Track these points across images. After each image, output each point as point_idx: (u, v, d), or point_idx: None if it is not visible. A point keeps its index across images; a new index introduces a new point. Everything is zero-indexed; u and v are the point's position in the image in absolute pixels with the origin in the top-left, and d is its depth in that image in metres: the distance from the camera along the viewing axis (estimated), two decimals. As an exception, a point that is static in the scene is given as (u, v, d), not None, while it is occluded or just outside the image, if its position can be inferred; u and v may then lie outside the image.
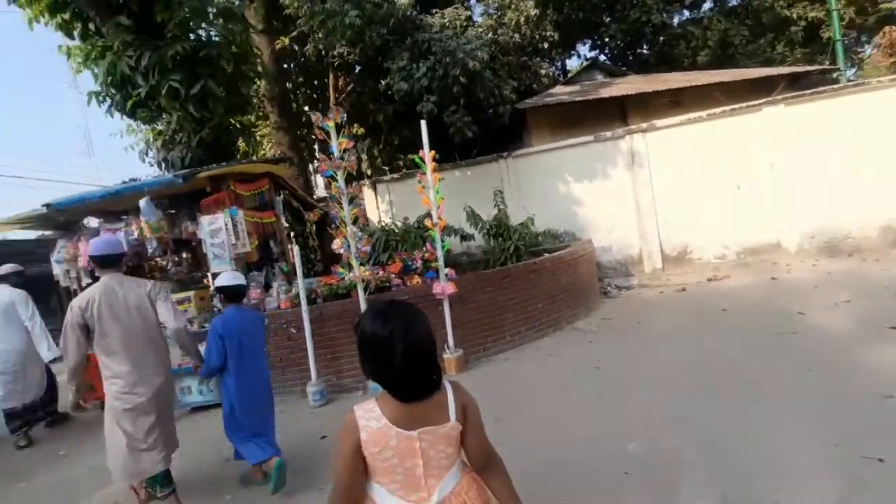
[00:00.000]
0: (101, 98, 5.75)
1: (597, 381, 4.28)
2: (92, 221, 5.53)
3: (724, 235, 8.18)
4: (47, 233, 5.92)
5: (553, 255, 6.26)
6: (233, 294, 3.26)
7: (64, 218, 5.21)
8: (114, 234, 4.43)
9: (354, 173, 4.62)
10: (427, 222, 4.96)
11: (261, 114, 10.35)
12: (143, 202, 4.54)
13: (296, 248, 4.69)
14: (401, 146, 14.22)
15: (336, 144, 4.49)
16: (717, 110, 8.16)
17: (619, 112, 10.54)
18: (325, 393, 4.77)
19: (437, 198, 4.80)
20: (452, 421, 1.30)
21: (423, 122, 4.73)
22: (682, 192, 8.31)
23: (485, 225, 7.37)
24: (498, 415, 3.59)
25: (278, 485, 2.99)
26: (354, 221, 4.67)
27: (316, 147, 13.31)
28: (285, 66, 9.80)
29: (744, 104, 8.02)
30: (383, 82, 7.68)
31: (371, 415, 1.25)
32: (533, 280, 5.78)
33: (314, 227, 7.55)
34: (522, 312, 5.63)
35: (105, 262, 2.82)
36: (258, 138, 10.79)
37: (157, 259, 6.81)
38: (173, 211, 5.17)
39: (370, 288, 4.79)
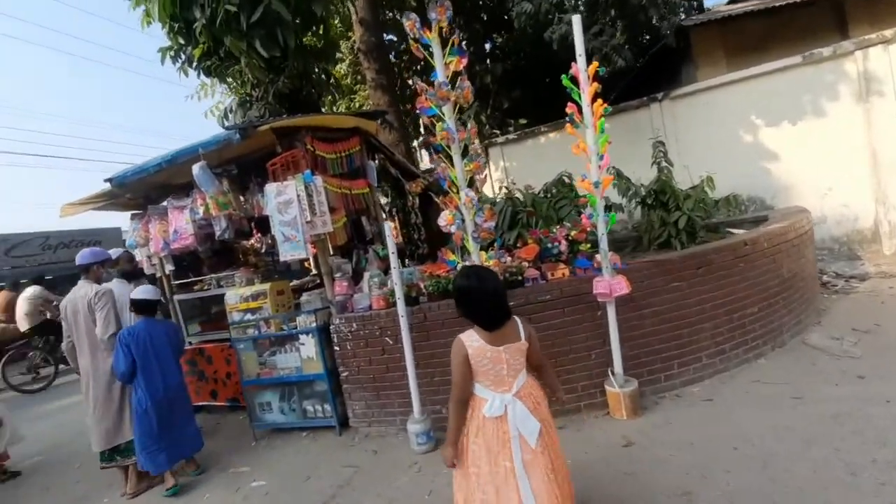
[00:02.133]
0: (171, 53, 4.93)
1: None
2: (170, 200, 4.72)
3: None
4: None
5: (768, 229, 4.06)
6: (142, 307, 3.45)
7: (131, 195, 4.48)
8: (90, 248, 3.74)
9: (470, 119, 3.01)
10: (579, 182, 3.19)
11: (358, 78, 9.26)
12: (196, 168, 3.48)
13: (387, 226, 3.26)
14: (510, 110, 12.35)
15: (441, 65, 2.91)
16: None
17: (835, 20, 7.41)
18: (433, 433, 3.35)
19: (601, 140, 2.99)
20: (522, 340, 1.90)
21: (574, 19, 2.91)
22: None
23: (638, 191, 5.31)
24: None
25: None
26: (470, 184, 3.09)
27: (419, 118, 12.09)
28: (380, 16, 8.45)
29: None
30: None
31: (472, 339, 1.86)
32: (740, 270, 3.71)
33: (417, 201, 6.16)
34: (726, 320, 3.62)
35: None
36: (356, 102, 9.80)
37: (251, 242, 6.02)
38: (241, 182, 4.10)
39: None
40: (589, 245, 3.77)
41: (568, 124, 3.09)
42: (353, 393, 3.81)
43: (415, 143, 11.68)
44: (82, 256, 3.63)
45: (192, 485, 3.52)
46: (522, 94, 11.69)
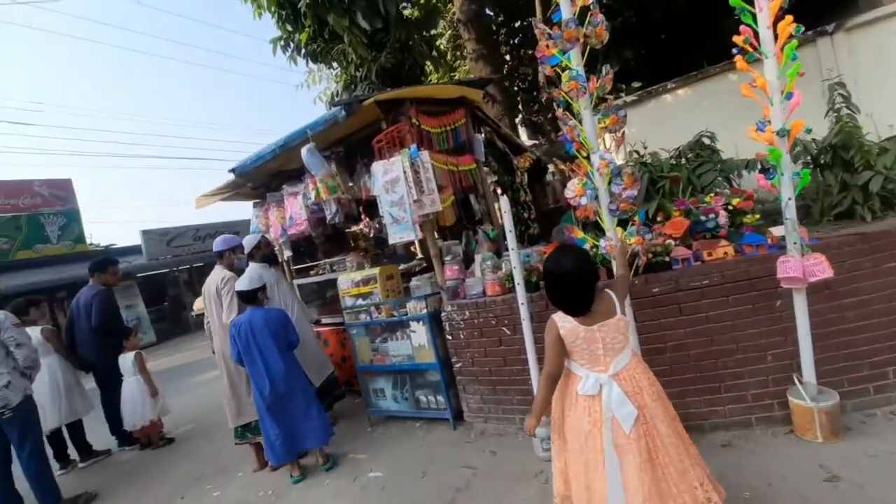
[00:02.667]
0: (281, 43, 5.03)
1: None
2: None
3: None
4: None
5: None
6: (245, 297, 3.34)
7: (252, 184, 4.67)
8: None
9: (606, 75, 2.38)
10: (753, 132, 2.45)
11: (458, 54, 8.89)
12: (304, 151, 3.41)
13: (504, 201, 2.86)
14: (621, 73, 11.07)
15: (567, 2, 2.38)
16: None
17: None
18: (561, 437, 2.92)
19: (789, 73, 2.22)
20: (618, 314, 1.80)
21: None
22: None
23: (808, 148, 4.18)
24: None
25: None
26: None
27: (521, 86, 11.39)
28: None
29: None
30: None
31: (565, 319, 1.81)
32: None
33: (525, 178, 5.65)
34: (971, 314, 2.60)
35: None
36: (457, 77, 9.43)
37: (361, 227, 6.07)
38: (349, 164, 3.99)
39: (638, 264, 2.64)
40: (757, 216, 2.97)
41: (738, 57, 2.36)
42: (467, 385, 3.53)
43: (517, 119, 11.07)
44: (216, 244, 3.83)
45: (316, 467, 3.55)
46: (635, 54, 10.37)
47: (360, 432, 4.03)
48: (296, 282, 5.26)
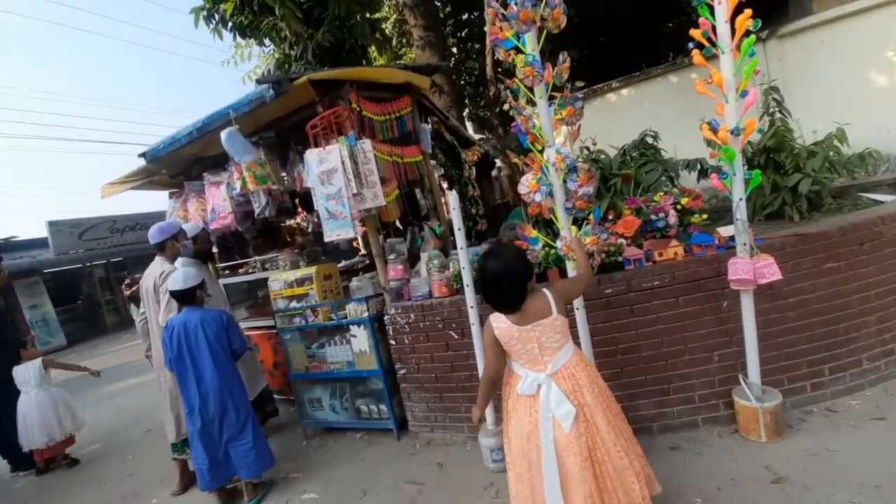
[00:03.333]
0: (204, 13, 4.46)
1: None
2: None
3: None
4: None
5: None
6: (179, 297, 2.89)
7: (169, 171, 4.11)
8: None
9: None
10: (706, 130, 2.38)
11: (403, 41, 8.53)
12: (225, 134, 2.98)
13: (452, 196, 2.63)
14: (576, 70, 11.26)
15: (523, -19, 2.17)
16: None
17: None
18: (511, 447, 2.76)
19: (746, 69, 2.16)
20: (554, 314, 1.76)
21: None
22: None
23: (745, 151, 4.33)
24: None
25: None
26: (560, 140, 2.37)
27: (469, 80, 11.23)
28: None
29: None
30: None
31: (499, 319, 1.79)
32: (912, 246, 2.78)
33: (473, 172, 5.47)
34: (892, 313, 2.73)
35: None
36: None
37: (297, 221, 5.62)
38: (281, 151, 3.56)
39: (592, 265, 2.51)
40: (705, 216, 2.96)
41: (695, 52, 2.28)
42: (412, 393, 3.29)
43: (464, 113, 10.91)
44: (152, 234, 3.26)
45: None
46: (578, 55, 10.56)
47: (295, 446, 3.68)
48: (222, 281, 4.76)
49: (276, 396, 4.50)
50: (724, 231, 2.75)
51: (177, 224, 3.45)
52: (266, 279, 4.11)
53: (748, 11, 2.10)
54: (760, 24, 2.14)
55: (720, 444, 2.56)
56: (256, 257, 4.51)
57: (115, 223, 15.91)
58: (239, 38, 4.77)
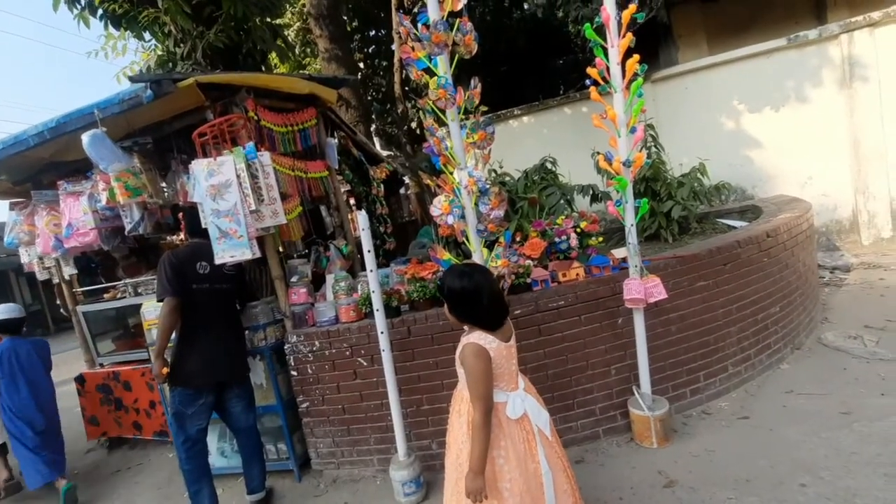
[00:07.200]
0: (66, -5, 3.80)
1: None
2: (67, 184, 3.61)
3: None
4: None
5: (784, 218, 3.66)
6: (6, 327, 3.43)
7: (11, 178, 3.38)
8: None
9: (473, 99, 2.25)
10: (602, 160, 2.57)
11: (308, 50, 8.19)
12: (87, 137, 2.51)
13: (361, 216, 2.50)
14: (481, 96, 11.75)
15: (435, 1, 2.17)
16: None
17: (813, 4, 7.30)
18: (423, 477, 2.65)
19: (635, 108, 2.37)
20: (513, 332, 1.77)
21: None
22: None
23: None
24: None
25: None
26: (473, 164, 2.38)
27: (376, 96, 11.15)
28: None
29: None
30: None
31: (487, 339, 1.64)
32: (764, 265, 3.28)
33: (381, 189, 5.37)
34: (751, 322, 3.18)
35: None
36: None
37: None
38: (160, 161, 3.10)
39: (503, 287, 2.54)
40: (601, 239, 3.19)
41: (592, 88, 2.45)
42: (315, 428, 3.03)
43: (371, 129, 10.77)
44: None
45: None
46: (482, 82, 11.10)
47: (175, 496, 3.17)
48: (82, 308, 4.02)
49: (154, 439, 3.91)
50: (618, 253, 2.98)
51: None
52: (139, 305, 3.55)
53: (636, 56, 2.32)
54: (647, 69, 2.38)
55: (619, 454, 2.71)
56: (127, 280, 3.89)
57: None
58: (112, 29, 4.11)
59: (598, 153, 2.57)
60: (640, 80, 2.32)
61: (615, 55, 2.37)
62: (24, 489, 3.61)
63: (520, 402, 1.71)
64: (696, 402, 2.99)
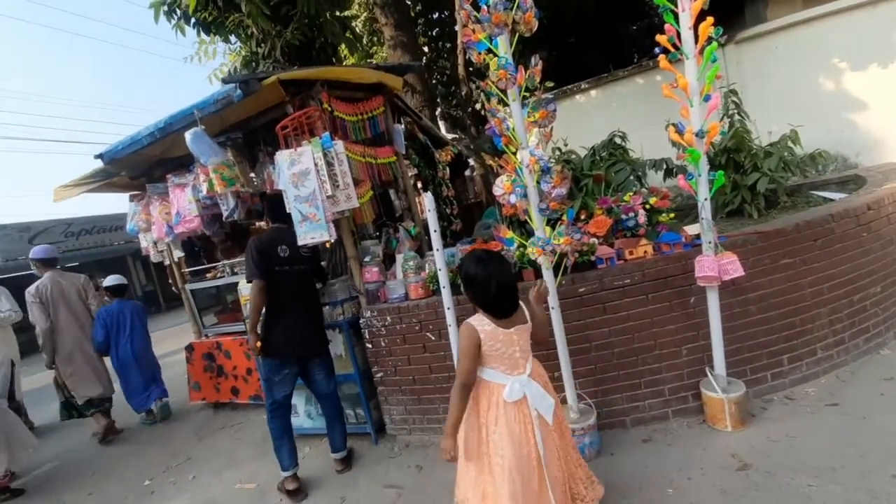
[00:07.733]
0: (165, 7, 4.28)
1: None
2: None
3: None
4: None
5: (889, 189, 3.27)
6: (114, 291, 4.73)
7: (129, 173, 3.94)
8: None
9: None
10: (672, 132, 2.47)
11: (375, 39, 8.43)
12: (189, 135, 2.88)
13: (428, 198, 2.63)
14: (545, 72, 11.44)
15: (495, -17, 2.19)
16: None
17: None
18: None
19: (709, 75, 2.26)
20: (528, 321, 1.88)
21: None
22: None
23: (709, 150, 4.50)
24: None
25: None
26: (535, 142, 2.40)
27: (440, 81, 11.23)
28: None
29: None
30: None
31: (483, 322, 1.79)
32: (863, 240, 2.98)
33: (447, 172, 5.48)
34: (846, 304, 2.91)
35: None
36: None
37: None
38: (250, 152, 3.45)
39: (566, 265, 2.56)
40: (672, 215, 3.07)
41: (661, 57, 2.35)
42: (389, 396, 3.27)
43: (437, 112, 10.88)
44: (47, 251, 4.69)
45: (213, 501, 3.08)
46: (547, 56, 10.75)
47: (270, 453, 3.59)
48: (190, 286, 4.60)
49: (250, 402, 4.41)
50: (691, 229, 2.86)
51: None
52: (235, 283, 4.00)
53: (710, 19, 2.18)
54: (730, 29, 2.23)
55: (689, 435, 2.66)
56: (225, 261, 4.38)
57: (69, 226, 15.10)
58: (203, 35, 4.60)
59: (672, 124, 2.47)
60: (714, 44, 2.19)
61: (686, 19, 2.25)
62: (122, 432, 4.68)
63: (518, 386, 1.79)
64: (779, 387, 2.82)
